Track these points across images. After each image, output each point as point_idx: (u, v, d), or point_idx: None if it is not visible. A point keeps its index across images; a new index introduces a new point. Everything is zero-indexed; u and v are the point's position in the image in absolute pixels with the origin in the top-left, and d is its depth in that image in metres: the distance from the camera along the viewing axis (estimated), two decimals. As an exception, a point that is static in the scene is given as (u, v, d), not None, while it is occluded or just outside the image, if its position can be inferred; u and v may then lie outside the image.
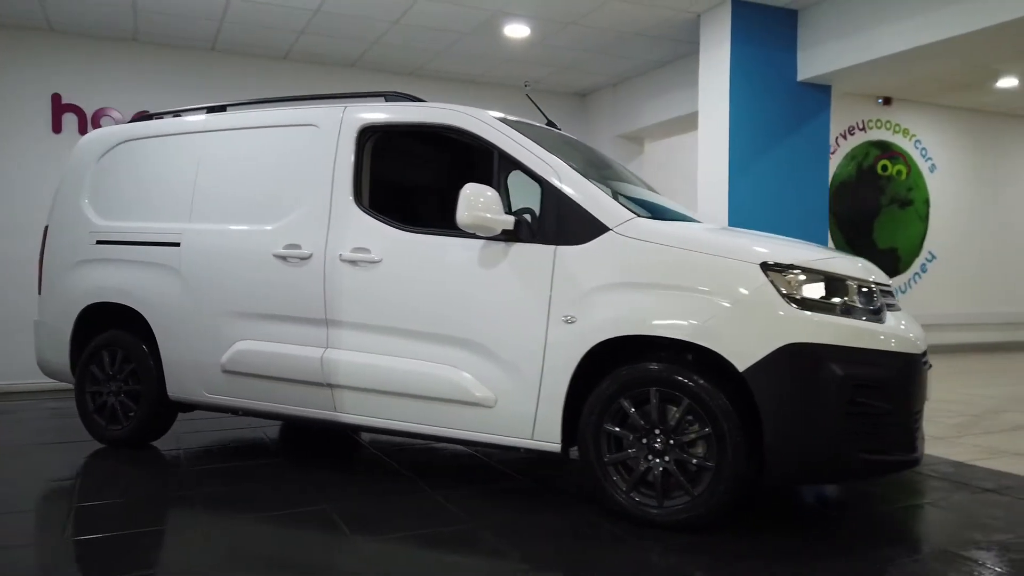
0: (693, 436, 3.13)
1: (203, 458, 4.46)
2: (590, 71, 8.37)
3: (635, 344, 3.30)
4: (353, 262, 3.84)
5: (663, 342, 3.24)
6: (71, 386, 4.84)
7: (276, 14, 6.69)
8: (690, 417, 3.14)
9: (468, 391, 3.53)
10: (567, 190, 3.44)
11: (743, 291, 3.06)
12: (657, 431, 3.20)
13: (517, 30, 6.95)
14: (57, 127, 7.20)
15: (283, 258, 4.03)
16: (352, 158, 3.98)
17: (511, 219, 3.46)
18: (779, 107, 6.38)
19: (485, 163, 5.09)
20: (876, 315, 3.15)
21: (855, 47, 6.04)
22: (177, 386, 4.43)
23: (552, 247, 3.42)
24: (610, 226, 3.34)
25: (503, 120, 3.79)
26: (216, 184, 4.38)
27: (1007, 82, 10.29)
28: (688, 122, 8.08)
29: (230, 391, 4.23)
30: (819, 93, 6.56)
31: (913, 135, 11.65)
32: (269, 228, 4.12)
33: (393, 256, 3.76)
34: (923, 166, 11.73)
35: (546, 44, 7.38)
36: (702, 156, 6.48)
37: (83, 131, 7.27)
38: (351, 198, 3.93)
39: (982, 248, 11.88)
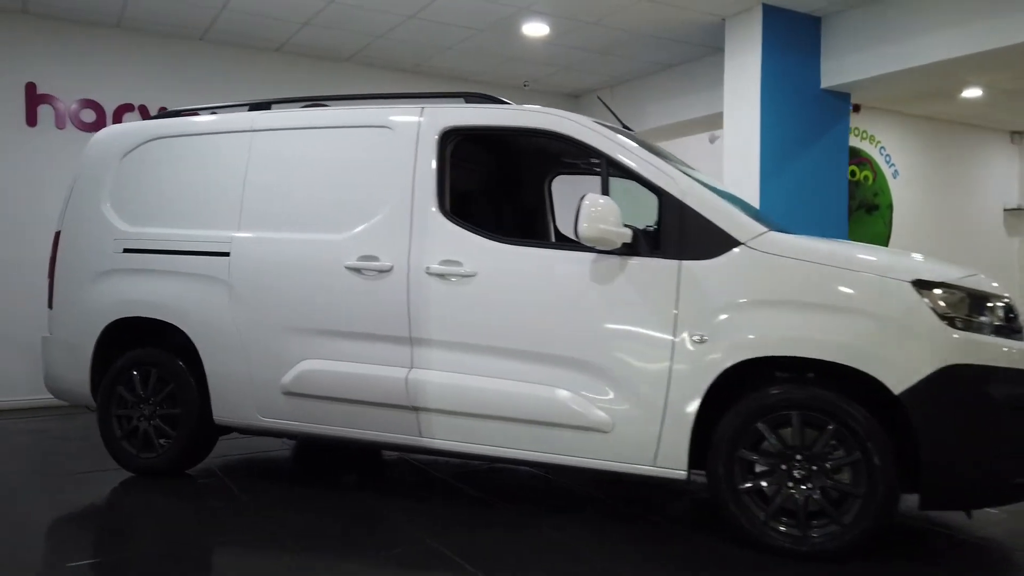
0: (839, 462, 2.99)
1: (250, 484, 4.08)
2: (591, 72, 8.21)
3: (764, 365, 3.15)
4: (442, 276, 3.56)
5: (793, 363, 3.10)
6: (63, 404, 4.39)
7: (285, 4, 6.27)
8: (834, 442, 3.01)
9: (582, 415, 3.30)
10: (691, 202, 3.26)
11: (897, 310, 2.95)
12: (798, 457, 3.05)
13: (536, 28, 6.73)
14: (32, 119, 6.57)
15: (358, 271, 3.71)
16: (434, 163, 3.69)
17: (629, 232, 3.26)
18: (805, 113, 6.36)
19: (578, 170, 4.89)
20: (1018, 334, 3.08)
21: (876, 58, 6.07)
22: (225, 409, 4.04)
23: (676, 262, 3.23)
24: (742, 240, 3.17)
25: (606, 126, 3.58)
26: (270, 189, 4.02)
27: (972, 92, 10.64)
28: (692, 126, 8.01)
29: (292, 414, 3.88)
30: (839, 101, 6.58)
31: (878, 141, 11.95)
32: (339, 238, 3.79)
33: (489, 269, 3.50)
34: (887, 172, 12.05)
35: (558, 43, 7.18)
36: (728, 160, 6.41)
37: (60, 124, 6.68)
38: (435, 206, 3.65)
39: (939, 254, 12.28)
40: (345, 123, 3.94)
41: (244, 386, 3.96)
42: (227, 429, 4.18)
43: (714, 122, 7.61)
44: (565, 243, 3.46)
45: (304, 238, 3.87)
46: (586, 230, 3.18)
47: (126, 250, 4.26)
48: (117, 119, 6.85)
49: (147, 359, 4.23)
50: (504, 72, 8.21)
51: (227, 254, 4.00)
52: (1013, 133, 12.92)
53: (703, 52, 7.39)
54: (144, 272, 4.20)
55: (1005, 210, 12.50)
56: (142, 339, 4.35)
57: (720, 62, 7.22)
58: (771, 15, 6.15)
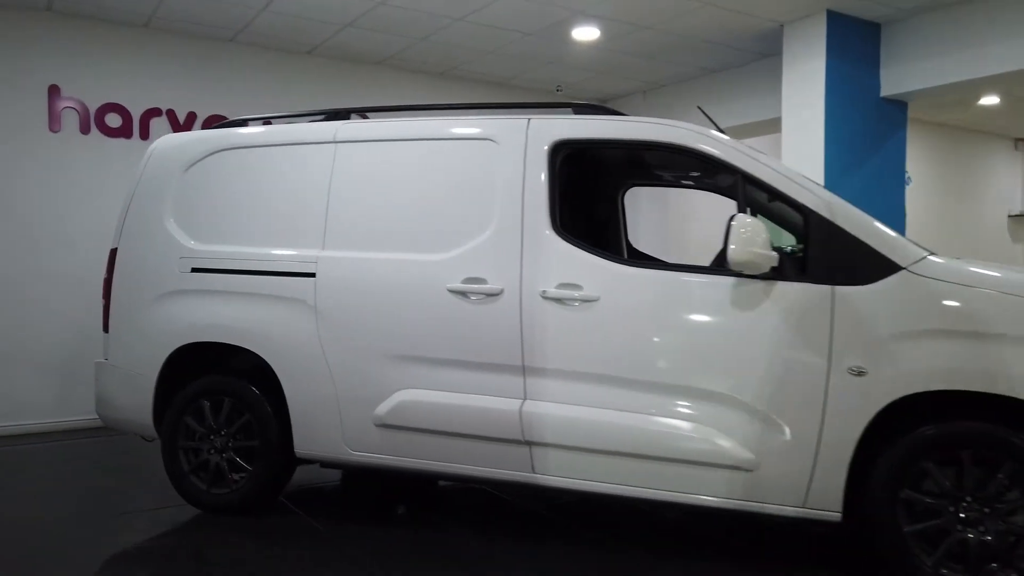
0: (1016, 504, 2.79)
1: (325, 514, 3.79)
2: (628, 76, 7.99)
3: (919, 400, 2.94)
4: (560, 300, 3.30)
5: (944, 397, 2.90)
6: (90, 426, 4.05)
7: (331, 5, 5.97)
8: (1006, 481, 2.81)
9: (723, 452, 3.07)
10: (843, 223, 3.04)
11: (1082, 342, 2.75)
12: (968, 498, 2.85)
13: (587, 33, 6.49)
14: (55, 124, 6.20)
15: (462, 294, 3.45)
16: (544, 178, 3.44)
17: (776, 255, 3.03)
18: (866, 122, 6.20)
19: (657, 182, 4.65)
20: None
21: (938, 68, 5.92)
22: (308, 441, 3.75)
23: (828, 287, 3.00)
24: (903, 265, 2.96)
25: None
26: (358, 204, 3.73)
27: (989, 100, 10.59)
28: (738, 132, 7.83)
29: (386, 448, 3.60)
30: (898, 110, 6.43)
31: (895, 148, 11.89)
32: (439, 258, 3.52)
33: (614, 294, 3.25)
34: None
35: (604, 48, 6.95)
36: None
37: (84, 129, 6.30)
38: (548, 224, 3.39)
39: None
40: (442, 135, 3.67)
41: (331, 417, 3.67)
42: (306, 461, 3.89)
43: (764, 128, 7.44)
44: (695, 266, 3.22)
45: (399, 258, 3.60)
46: (737, 254, 2.94)
47: (194, 269, 3.95)
48: (144, 124, 6.50)
49: (219, 387, 3.92)
50: (538, 76, 7.97)
51: (312, 275, 3.71)
52: (1017, 140, 12.92)
53: (751, 57, 7.20)
54: (216, 293, 3.89)
55: (1009, 216, 12.53)
56: (211, 365, 4.05)
57: (769, 67, 7.06)
58: (835, 21, 5.97)
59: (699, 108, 4.07)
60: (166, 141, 4.26)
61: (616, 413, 3.23)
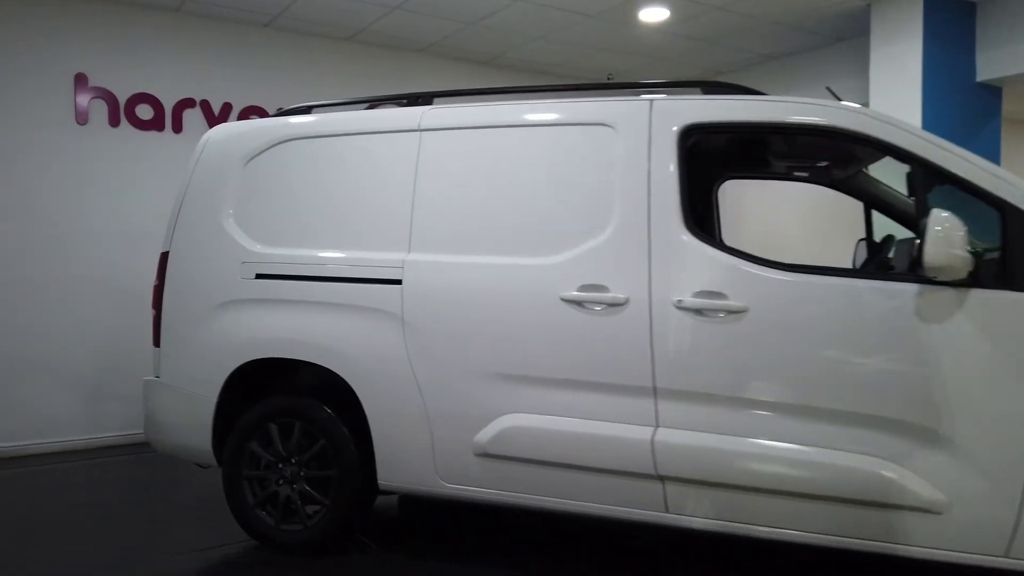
0: None
1: (413, 554, 3.33)
2: (684, 63, 7.51)
3: None
4: (699, 311, 2.83)
5: None
6: (120, 443, 3.62)
7: (382, -16, 5.50)
8: None
9: (907, 492, 2.60)
10: (1055, 222, 2.57)
11: None
12: None
13: (656, 13, 6.01)
14: (82, 116, 5.72)
15: (578, 304, 2.98)
16: (673, 168, 2.97)
17: (971, 258, 2.56)
18: (963, 108, 5.72)
19: (760, 174, 4.18)
20: None
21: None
22: (394, 471, 3.28)
23: (1035, 296, 2.54)
24: None
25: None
26: (449, 201, 3.26)
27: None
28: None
29: (488, 480, 3.14)
30: (993, 96, 5.94)
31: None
32: (549, 262, 3.05)
33: (767, 304, 2.78)
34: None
35: (668, 31, 6.46)
36: (878, 161, 5.74)
37: (114, 122, 5.82)
38: (680, 223, 2.92)
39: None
40: (548, 120, 3.20)
41: (422, 445, 3.21)
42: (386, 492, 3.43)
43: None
44: (868, 272, 2.76)
45: (500, 262, 3.13)
46: (935, 256, 2.47)
47: (259, 276, 3.48)
48: (177, 116, 6.02)
49: (289, 409, 3.45)
50: (587, 64, 7.49)
51: (399, 282, 3.24)
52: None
53: (821, 42, 6.72)
54: (284, 303, 3.43)
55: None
56: (277, 385, 3.59)
57: (842, 52, 6.59)
58: (932, 1, 5.49)
59: (828, 89, 3.59)
60: (222, 131, 3.78)
61: (771, 444, 2.76)
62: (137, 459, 5.35)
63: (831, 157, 3.68)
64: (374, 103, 3.76)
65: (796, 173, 4.00)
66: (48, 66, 5.62)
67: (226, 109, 6.23)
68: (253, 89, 6.33)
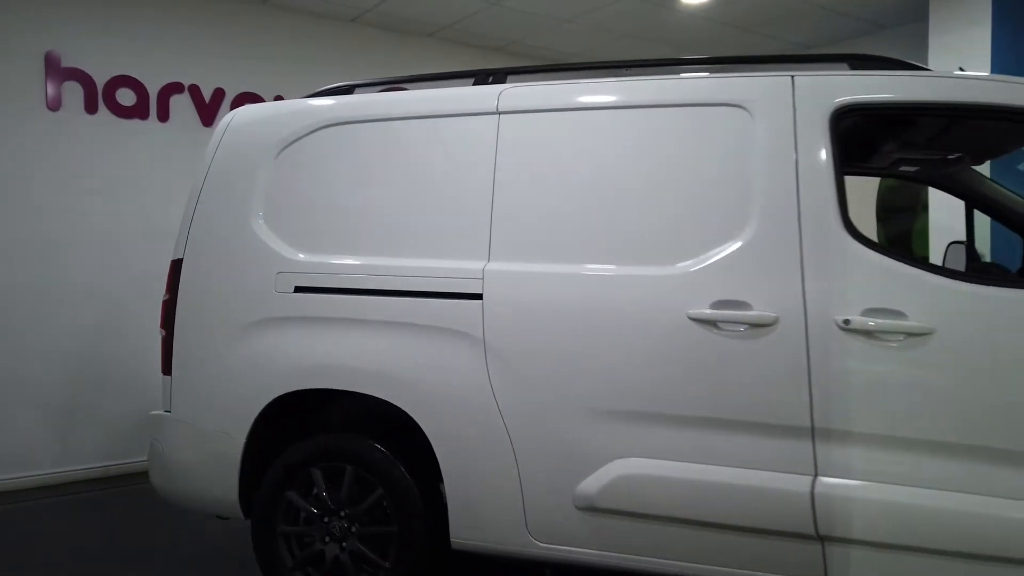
0: None
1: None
2: (711, 52, 7.03)
3: None
4: (871, 333, 2.31)
5: None
6: (94, 477, 3.00)
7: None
8: None
9: None
10: None
11: None
12: None
13: (699, -6, 5.51)
14: (54, 101, 4.99)
15: (712, 324, 2.43)
16: (827, 157, 2.44)
17: None
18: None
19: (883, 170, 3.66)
20: None
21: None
22: (471, 528, 2.69)
23: None
24: None
25: None
26: (539, 198, 2.69)
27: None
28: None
29: (594, 539, 2.56)
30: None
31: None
32: (672, 273, 2.50)
33: (960, 325, 2.26)
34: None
35: (707, 16, 5.96)
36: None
37: (91, 108, 5.10)
38: (839, 224, 2.39)
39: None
40: (662, 100, 2.64)
41: (508, 495, 2.63)
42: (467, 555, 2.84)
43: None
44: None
45: (608, 273, 2.56)
46: None
47: (299, 289, 2.86)
48: (163, 102, 5.32)
49: (339, 450, 2.84)
50: (608, 53, 6.95)
51: (478, 296, 2.65)
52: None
53: (870, 28, 6.27)
54: (332, 322, 2.81)
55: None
56: (319, 421, 2.98)
57: (892, 40, 6.18)
58: (1003, -16, 5.08)
59: (961, 69, 3.10)
60: (247, 114, 3.14)
61: (968, 498, 2.24)
62: (117, 496, 4.66)
63: (985, 147, 3.18)
64: (430, 81, 3.16)
65: (935, 166, 3.47)
66: (13, 43, 4.87)
67: (218, 95, 5.54)
68: (249, 73, 5.66)
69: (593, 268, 2.58)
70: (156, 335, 5.15)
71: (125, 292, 5.15)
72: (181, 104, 5.41)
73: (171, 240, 5.20)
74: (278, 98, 5.72)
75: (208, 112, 5.49)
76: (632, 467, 2.50)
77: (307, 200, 2.93)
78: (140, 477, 4.93)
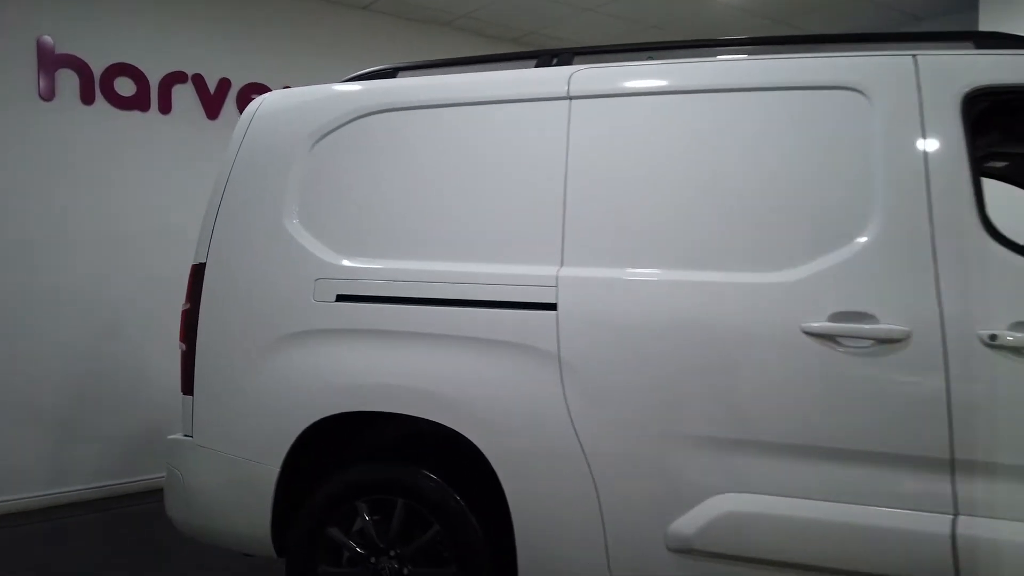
0: None
1: None
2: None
3: None
4: (1019, 351, 2.00)
5: None
6: (88, 498, 2.66)
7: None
8: None
9: None
10: None
11: None
12: None
13: (737, -20, 5.20)
14: (48, 90, 4.61)
15: (830, 339, 2.11)
16: (960, 148, 2.13)
17: None
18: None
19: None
20: None
21: None
22: (545, 570, 2.36)
23: None
24: None
25: None
26: (620, 194, 2.36)
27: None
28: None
29: (691, 586, 2.24)
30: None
31: None
32: (782, 280, 2.18)
33: None
34: None
35: (739, 7, 5.66)
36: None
37: (88, 98, 4.73)
38: (978, 224, 2.08)
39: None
40: (762, 83, 2.31)
41: (588, 535, 2.29)
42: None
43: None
44: None
45: (706, 279, 2.23)
46: None
47: (341, 297, 2.51)
48: (164, 92, 4.95)
49: (389, 481, 2.49)
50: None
51: (552, 306, 2.32)
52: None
53: (908, 20, 6.00)
54: (380, 335, 2.47)
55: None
56: (362, 446, 2.64)
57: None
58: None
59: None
60: (277, 100, 2.79)
61: None
62: (115, 519, 4.29)
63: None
64: (483, 63, 2.82)
65: None
66: (3, 28, 4.49)
67: (224, 86, 5.18)
68: (256, 63, 5.30)
69: (687, 274, 2.25)
70: (159, 344, 4.84)
71: (125, 297, 4.78)
72: (184, 95, 5.04)
73: (175, 241, 4.91)
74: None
75: (213, 104, 5.12)
76: (737, 504, 2.17)
77: (348, 198, 2.59)
78: (138, 499, 4.58)
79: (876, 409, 2.08)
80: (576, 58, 2.62)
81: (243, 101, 5.21)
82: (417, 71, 2.81)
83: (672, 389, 2.22)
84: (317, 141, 2.65)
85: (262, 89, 5.27)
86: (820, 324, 2.12)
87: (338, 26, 5.66)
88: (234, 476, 2.59)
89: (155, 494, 4.64)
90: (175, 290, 4.85)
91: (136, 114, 4.87)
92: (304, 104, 2.71)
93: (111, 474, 4.73)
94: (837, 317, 2.11)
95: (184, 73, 5.03)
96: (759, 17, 5.90)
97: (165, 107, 4.96)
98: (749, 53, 2.48)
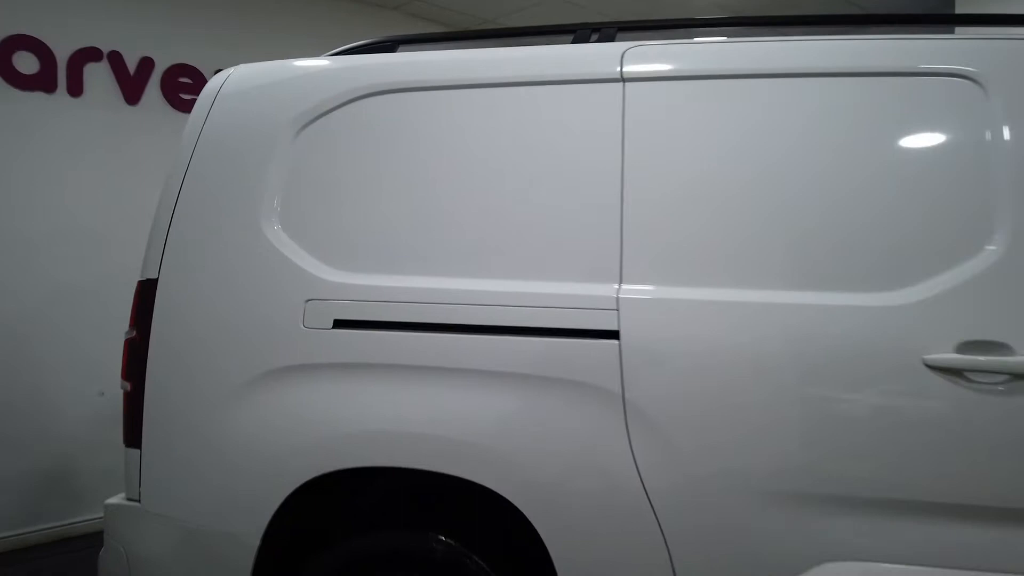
0: None
1: None
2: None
3: None
4: None
5: None
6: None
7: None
8: None
9: None
10: None
11: None
12: None
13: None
14: (8, 73, 3.85)
15: (957, 373, 1.75)
16: (1095, 148, 1.82)
17: None
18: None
19: None
20: None
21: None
22: (603, 661, 1.92)
23: None
24: None
25: None
26: (690, 196, 1.94)
27: None
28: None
29: None
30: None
31: None
32: (895, 303, 1.81)
33: None
34: None
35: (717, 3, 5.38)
36: None
37: (48, 84, 4.00)
38: None
39: None
40: (858, 67, 1.94)
41: (659, 615, 1.87)
42: None
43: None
44: None
45: (806, 302, 1.84)
46: None
47: (339, 324, 2.00)
48: (74, 71, 4.23)
49: (402, 552, 2.00)
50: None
51: (613, 334, 1.88)
52: None
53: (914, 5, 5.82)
54: (389, 371, 1.97)
55: None
56: (364, 510, 2.13)
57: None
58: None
59: None
60: (248, 76, 2.23)
61: None
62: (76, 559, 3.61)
63: None
64: (504, 38, 2.35)
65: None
66: None
67: (146, 66, 4.49)
68: (183, 41, 4.63)
69: (782, 296, 1.85)
70: (68, 365, 4.13)
71: (26, 314, 4.04)
72: (98, 75, 4.33)
73: (88, 245, 4.21)
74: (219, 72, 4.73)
75: (133, 86, 4.43)
76: (851, 574, 1.79)
77: (346, 198, 2.07)
78: (40, 551, 3.89)
79: (1016, 458, 1.74)
80: (620, 35, 2.20)
81: (168, 85, 4.55)
82: (420, 45, 2.32)
83: (767, 436, 1.82)
84: (303, 127, 2.12)
85: (190, 71, 4.62)
86: (945, 356, 1.76)
87: (278, 5, 5.05)
88: (197, 551, 2.04)
89: (63, 545, 3.95)
90: (89, 303, 4.18)
91: (40, 96, 4.14)
92: (285, 81, 2.17)
93: (7, 523, 3.99)
94: (965, 347, 1.76)
95: (98, 49, 4.32)
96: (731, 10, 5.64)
97: (75, 88, 4.24)
98: (823, 33, 2.11)
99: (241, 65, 2.26)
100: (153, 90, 4.52)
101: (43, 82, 4.13)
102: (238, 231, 2.07)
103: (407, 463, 1.94)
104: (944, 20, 2.11)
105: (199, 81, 4.63)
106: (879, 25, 2.12)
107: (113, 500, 2.15)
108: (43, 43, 4.13)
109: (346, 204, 2.07)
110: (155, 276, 2.10)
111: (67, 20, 4.21)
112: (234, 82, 2.21)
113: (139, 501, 2.10)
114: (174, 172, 2.16)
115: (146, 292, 2.11)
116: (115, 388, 4.11)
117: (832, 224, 1.87)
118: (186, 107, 4.58)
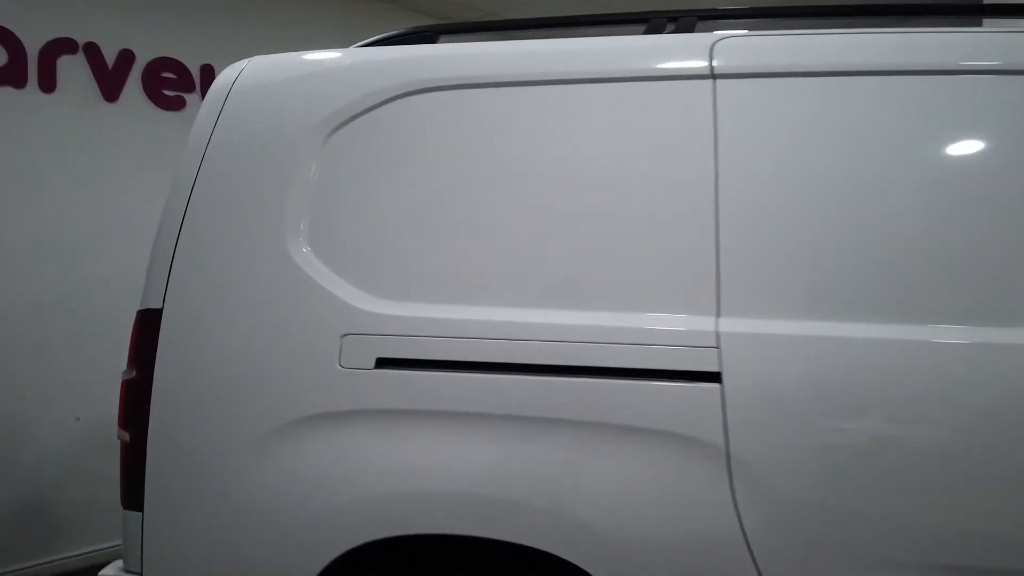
0: None
1: None
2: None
3: None
4: None
5: None
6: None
7: None
8: None
9: None
10: None
11: None
12: None
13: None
14: None
15: None
16: None
17: None
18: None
19: None
20: None
21: None
22: None
23: None
24: None
25: None
26: (806, 213, 1.65)
27: None
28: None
29: None
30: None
31: None
32: (1052, 339, 1.54)
33: None
34: None
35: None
36: None
37: (18, 79, 3.59)
38: None
39: None
40: (988, 65, 1.67)
41: None
42: None
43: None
44: None
45: (953, 340, 1.56)
46: None
47: (383, 363, 1.68)
48: (47, 64, 3.84)
49: (460, 639, 1.69)
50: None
51: (714, 377, 1.59)
52: None
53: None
54: (444, 419, 1.66)
55: None
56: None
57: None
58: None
59: None
60: (265, 69, 1.90)
61: None
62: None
63: None
64: (561, 27, 2.04)
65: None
66: None
67: (125, 59, 4.10)
68: (167, 33, 4.25)
69: (926, 332, 1.57)
70: (45, 390, 3.75)
71: (-5, 330, 3.66)
72: (73, 69, 3.93)
73: (64, 255, 3.83)
74: (206, 68, 4.38)
75: (111, 82, 4.04)
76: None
77: (388, 213, 1.75)
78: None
79: None
80: (700, 25, 1.90)
81: (150, 80, 4.17)
82: (464, 36, 2.01)
83: (903, 501, 1.54)
84: (335, 129, 1.80)
85: (175, 66, 4.25)
86: (1114, 404, 1.49)
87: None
88: (212, 633, 1.71)
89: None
90: (62, 319, 3.80)
91: (8, 91, 3.74)
92: (311, 76, 1.85)
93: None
94: None
95: (74, 41, 3.93)
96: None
97: (48, 84, 3.84)
98: (957, 23, 1.84)
99: (256, 56, 1.93)
100: (134, 86, 4.14)
101: (12, 76, 3.74)
102: (258, 253, 1.74)
103: (469, 531, 1.63)
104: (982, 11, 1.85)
105: (184, 76, 4.27)
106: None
107: (109, 571, 1.81)
108: (12, 33, 3.73)
109: (389, 221, 1.75)
110: (159, 306, 1.77)
111: (39, 8, 3.82)
112: (249, 76, 1.87)
113: (140, 574, 1.76)
114: (179, 183, 1.82)
115: (148, 324, 1.77)
116: (92, 412, 3.76)
117: (990, 243, 1.59)
118: (169, 104, 4.21)
